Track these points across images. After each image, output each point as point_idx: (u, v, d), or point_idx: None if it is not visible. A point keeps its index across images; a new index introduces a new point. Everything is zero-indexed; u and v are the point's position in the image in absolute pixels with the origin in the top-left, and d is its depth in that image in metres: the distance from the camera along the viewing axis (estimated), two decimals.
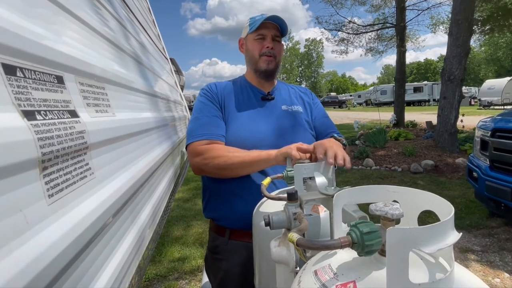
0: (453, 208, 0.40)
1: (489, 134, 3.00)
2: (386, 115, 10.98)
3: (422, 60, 60.51)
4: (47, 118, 0.32)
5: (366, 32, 12.72)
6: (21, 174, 0.27)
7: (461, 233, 0.38)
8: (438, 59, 54.75)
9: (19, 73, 0.29)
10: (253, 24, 1.15)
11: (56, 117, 0.33)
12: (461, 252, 2.71)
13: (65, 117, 0.35)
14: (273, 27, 1.16)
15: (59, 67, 0.37)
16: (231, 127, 1.12)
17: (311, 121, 1.25)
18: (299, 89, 1.35)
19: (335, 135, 1.09)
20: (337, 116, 20.48)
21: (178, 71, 3.04)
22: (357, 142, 7.65)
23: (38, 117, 0.30)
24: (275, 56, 1.17)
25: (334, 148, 0.79)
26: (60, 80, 0.36)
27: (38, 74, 0.32)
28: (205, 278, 1.66)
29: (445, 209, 0.43)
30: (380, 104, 26.22)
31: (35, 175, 0.29)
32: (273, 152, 0.96)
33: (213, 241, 1.17)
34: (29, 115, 0.29)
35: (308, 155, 0.90)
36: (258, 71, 1.19)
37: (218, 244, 1.13)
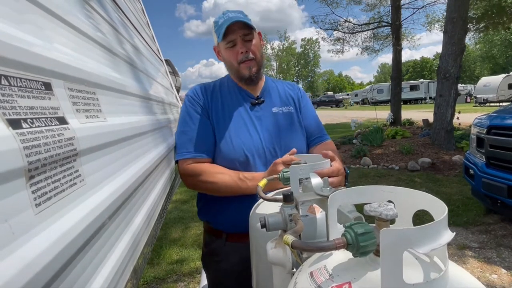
0: (446, 208, 0.40)
1: (485, 132, 3.01)
2: (383, 114, 11.01)
3: (418, 58, 60.80)
4: (34, 126, 0.31)
5: (362, 31, 12.79)
6: (6, 184, 0.26)
7: (454, 233, 0.38)
8: (434, 57, 55.03)
9: (3, 81, 0.29)
10: (218, 31, 1.08)
11: (44, 125, 0.33)
12: (459, 249, 2.73)
13: (53, 124, 0.34)
14: (239, 27, 1.06)
15: (46, 74, 0.36)
16: (223, 135, 1.08)
17: (302, 119, 1.21)
18: (286, 85, 1.29)
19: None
20: (334, 115, 20.55)
21: (174, 73, 3.02)
22: (354, 141, 7.67)
23: (24, 125, 0.30)
24: (254, 58, 1.10)
25: (340, 179, 0.84)
26: (47, 86, 0.36)
27: (24, 82, 0.31)
28: (204, 280, 1.66)
29: (439, 209, 0.43)
30: (377, 103, 26.31)
31: (21, 184, 0.28)
32: (262, 179, 0.87)
33: (210, 243, 1.16)
34: (14, 123, 0.28)
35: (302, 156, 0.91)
36: (243, 79, 1.13)
37: (215, 246, 1.13)
